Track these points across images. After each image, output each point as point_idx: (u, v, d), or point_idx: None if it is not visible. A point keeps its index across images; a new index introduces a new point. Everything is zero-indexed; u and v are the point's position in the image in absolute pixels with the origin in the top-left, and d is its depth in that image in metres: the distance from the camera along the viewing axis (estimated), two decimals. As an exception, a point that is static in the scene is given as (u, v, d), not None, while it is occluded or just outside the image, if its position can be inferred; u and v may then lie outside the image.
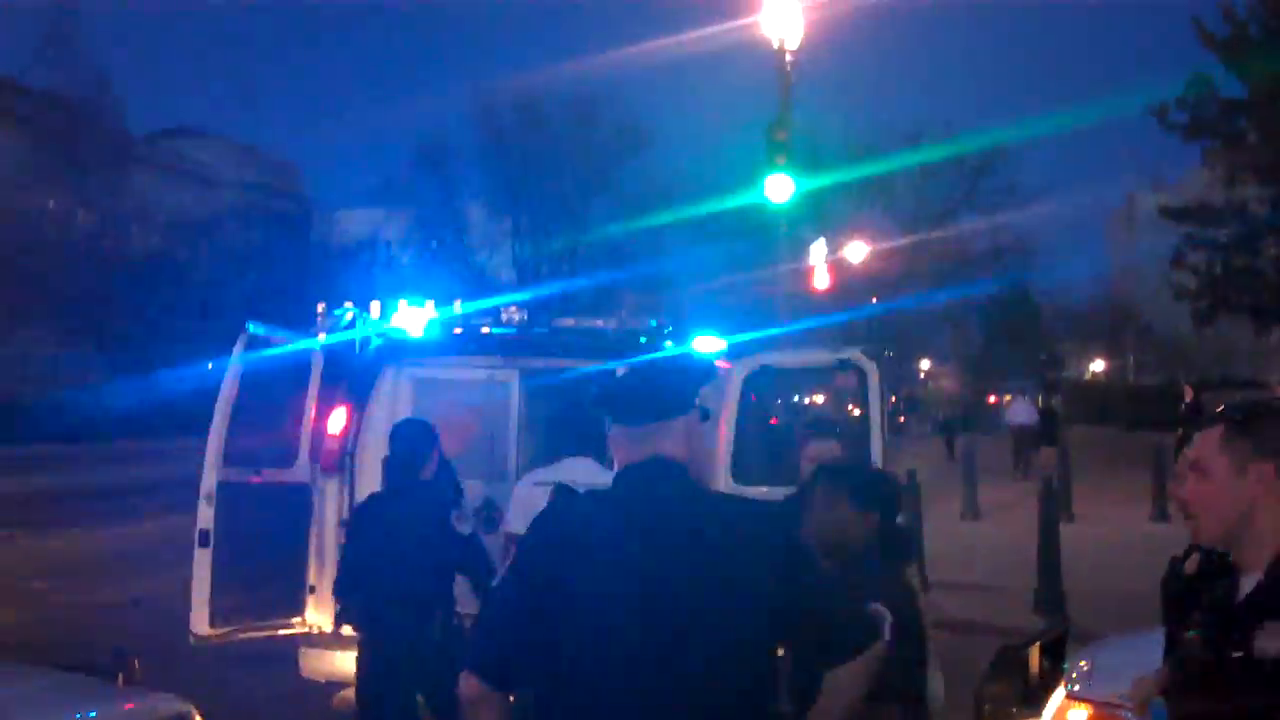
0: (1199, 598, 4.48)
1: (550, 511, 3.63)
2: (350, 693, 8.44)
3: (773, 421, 11.00)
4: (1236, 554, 3.28)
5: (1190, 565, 5.24)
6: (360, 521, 7.22)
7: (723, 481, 8.54)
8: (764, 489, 8.05)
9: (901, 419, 57.84)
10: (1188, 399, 26.84)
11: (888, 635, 3.84)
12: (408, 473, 7.11)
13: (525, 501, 6.84)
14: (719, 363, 9.34)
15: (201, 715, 6.41)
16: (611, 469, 3.72)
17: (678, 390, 3.61)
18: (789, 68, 22.12)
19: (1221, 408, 3.40)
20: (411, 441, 7.24)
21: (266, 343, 8.50)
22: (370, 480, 8.99)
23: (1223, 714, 3.18)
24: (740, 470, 8.74)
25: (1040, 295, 74.06)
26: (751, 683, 3.34)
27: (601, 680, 3.28)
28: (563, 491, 3.68)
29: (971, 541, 18.65)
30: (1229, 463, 3.24)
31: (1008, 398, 57.73)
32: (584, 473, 6.17)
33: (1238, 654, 3.11)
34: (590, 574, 3.34)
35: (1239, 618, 3.15)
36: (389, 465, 7.31)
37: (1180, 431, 24.86)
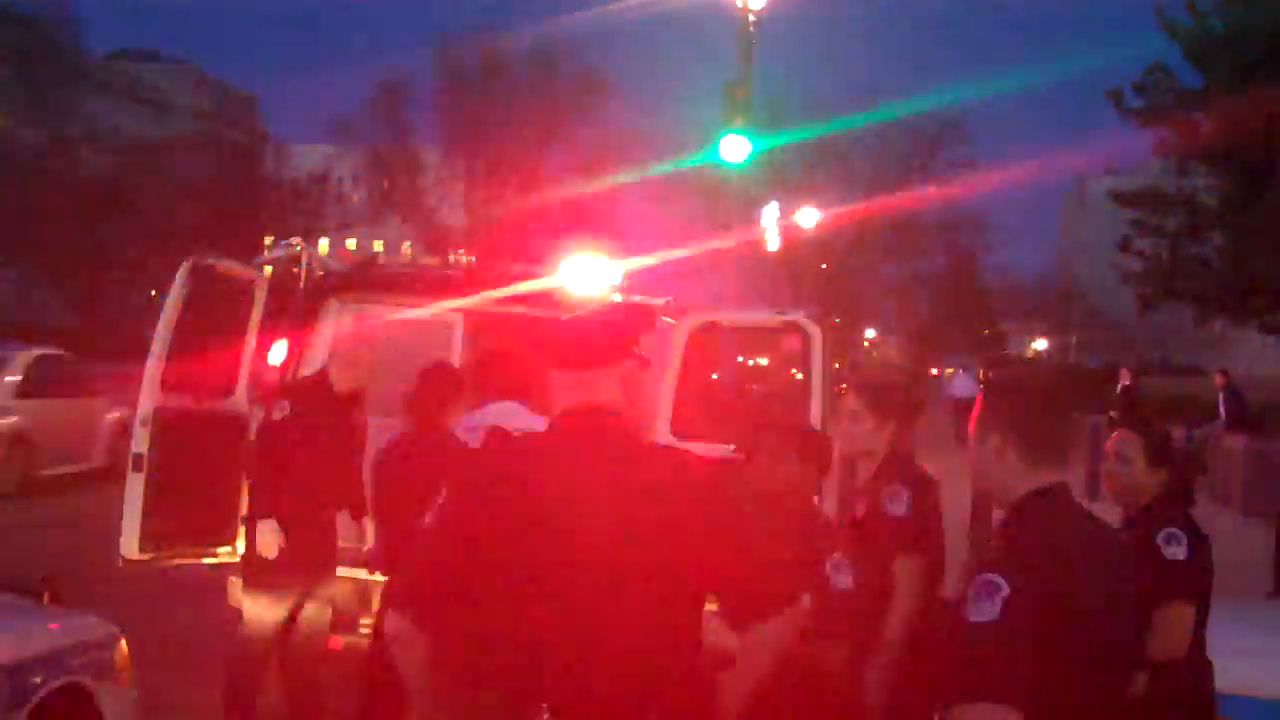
0: None
1: (482, 453, 3.64)
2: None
3: (715, 379, 11.02)
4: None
5: None
6: (387, 466, 7.25)
7: (661, 435, 8.56)
8: (703, 445, 8.10)
9: (844, 386, 58.15)
10: (1124, 382, 27.11)
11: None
12: (435, 417, 7.15)
13: None
14: (664, 317, 9.36)
15: (127, 639, 6.42)
16: (540, 416, 3.73)
17: (615, 338, 3.62)
18: (752, 28, 22.10)
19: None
20: (441, 385, 7.28)
21: (210, 272, 8.45)
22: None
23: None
24: (680, 425, 8.76)
25: (988, 272, 74.47)
26: (679, 633, 3.37)
27: (526, 624, 3.30)
28: (496, 434, 3.68)
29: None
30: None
31: (949, 371, 58.10)
32: (511, 416, 6.18)
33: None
34: (520, 517, 3.35)
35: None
36: (415, 408, 7.32)
37: (1112, 414, 25.20)
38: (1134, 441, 5.39)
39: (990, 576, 3.25)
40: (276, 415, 7.66)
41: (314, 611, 7.79)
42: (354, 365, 7.90)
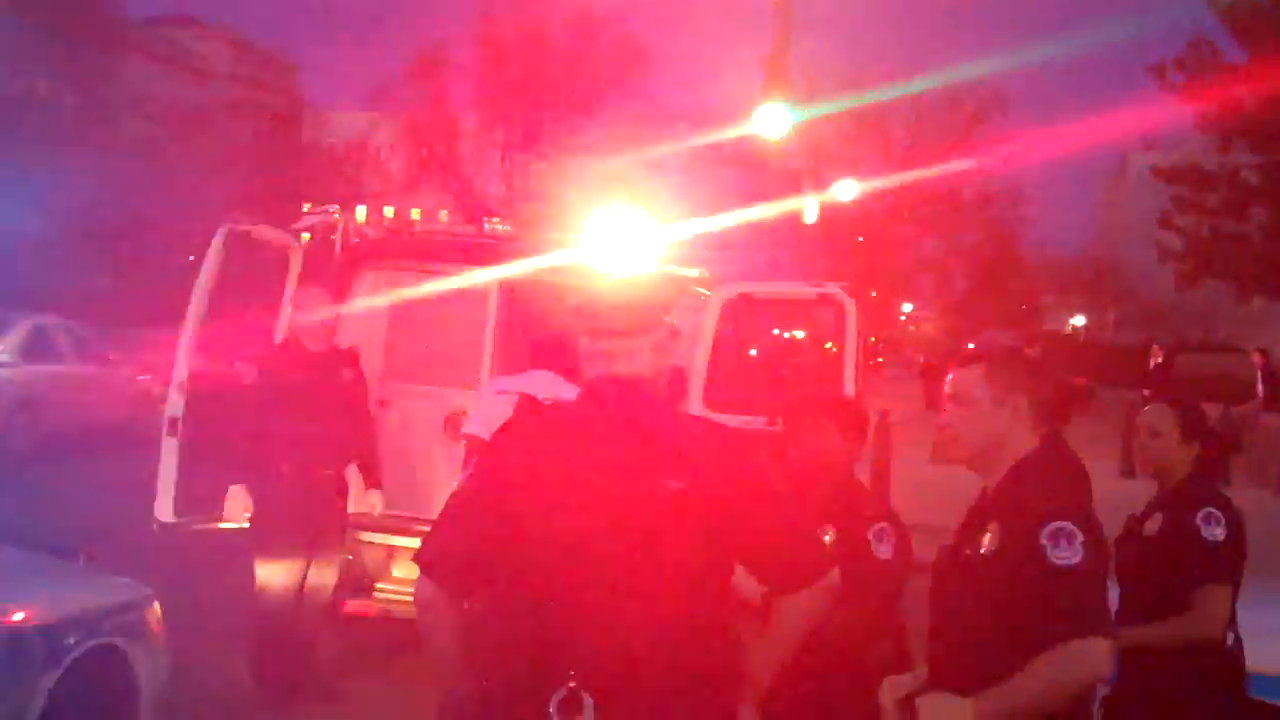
0: (1156, 558, 4.71)
1: (514, 421, 3.65)
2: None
3: (749, 351, 11.01)
4: (985, 471, 3.88)
5: (1151, 526, 5.31)
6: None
7: (694, 407, 8.56)
8: (736, 417, 8.10)
9: (879, 360, 58.01)
10: (1158, 359, 26.89)
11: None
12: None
13: (485, 407, 6.87)
14: (699, 289, 9.36)
15: (160, 601, 6.47)
16: (574, 385, 3.72)
17: (648, 307, 3.62)
18: (789, -1, 21.97)
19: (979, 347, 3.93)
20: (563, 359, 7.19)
21: (247, 238, 8.47)
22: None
23: (961, 608, 3.78)
24: (714, 397, 8.76)
25: (1026, 246, 74.10)
26: (708, 602, 3.37)
27: (555, 593, 3.31)
28: (528, 402, 3.68)
29: (938, 484, 18.68)
30: (989, 396, 3.84)
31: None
32: (546, 385, 6.17)
33: (968, 552, 3.78)
34: (549, 485, 3.36)
35: (971, 520, 3.82)
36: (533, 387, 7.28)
37: (1145, 392, 25.02)
38: (1167, 414, 5.37)
39: (1063, 524, 3.52)
40: (246, 379, 7.73)
41: (316, 575, 7.82)
42: (322, 326, 7.91)
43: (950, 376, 4.01)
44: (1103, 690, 5.04)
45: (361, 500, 8.25)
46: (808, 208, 32.91)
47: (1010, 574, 3.61)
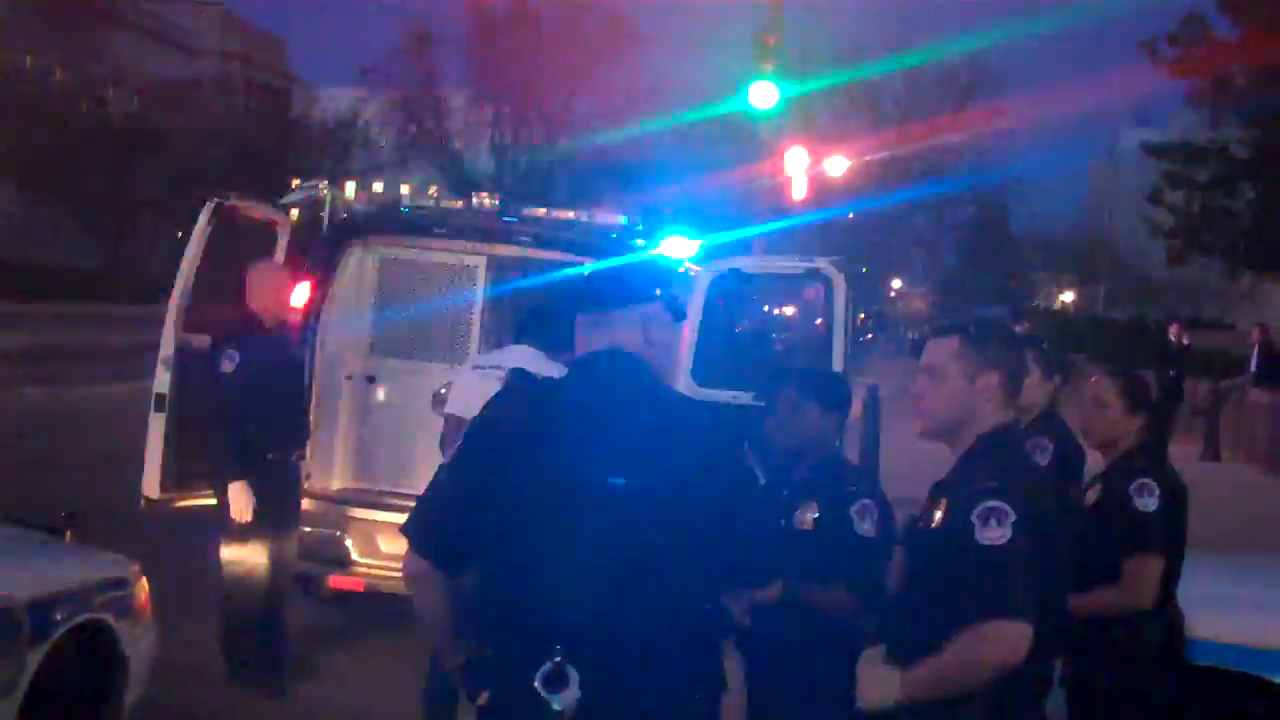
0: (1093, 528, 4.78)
1: (504, 395, 3.63)
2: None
3: (739, 327, 11.02)
4: (951, 443, 3.87)
5: (1091, 496, 5.37)
6: None
7: (683, 383, 8.55)
8: (726, 392, 8.10)
9: (870, 336, 58.09)
10: (1181, 338, 26.71)
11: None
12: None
13: (466, 384, 6.84)
14: (687, 265, 9.34)
15: (147, 577, 6.46)
16: (555, 360, 3.71)
17: (637, 279, 3.62)
18: (782, -27, 21.93)
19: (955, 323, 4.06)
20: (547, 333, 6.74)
21: (235, 213, 8.44)
22: (333, 356, 9.00)
23: (910, 581, 3.89)
24: (702, 373, 8.75)
25: (1017, 223, 74.15)
26: (695, 576, 3.37)
27: (546, 567, 3.31)
28: (518, 376, 3.67)
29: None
30: (962, 371, 3.81)
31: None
32: (526, 360, 6.14)
33: (921, 526, 3.83)
34: (539, 460, 3.35)
35: (932, 494, 3.83)
36: None
37: (1171, 372, 25.06)
38: (1110, 386, 5.41)
39: (995, 503, 3.53)
40: (227, 367, 7.52)
41: (280, 550, 7.79)
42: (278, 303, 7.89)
43: (925, 348, 3.98)
44: (1060, 667, 5.12)
45: (345, 477, 8.24)
46: (797, 182, 32.89)
47: (946, 550, 3.63)
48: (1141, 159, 36.76)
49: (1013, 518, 3.52)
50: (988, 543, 3.51)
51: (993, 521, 3.53)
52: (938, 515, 3.72)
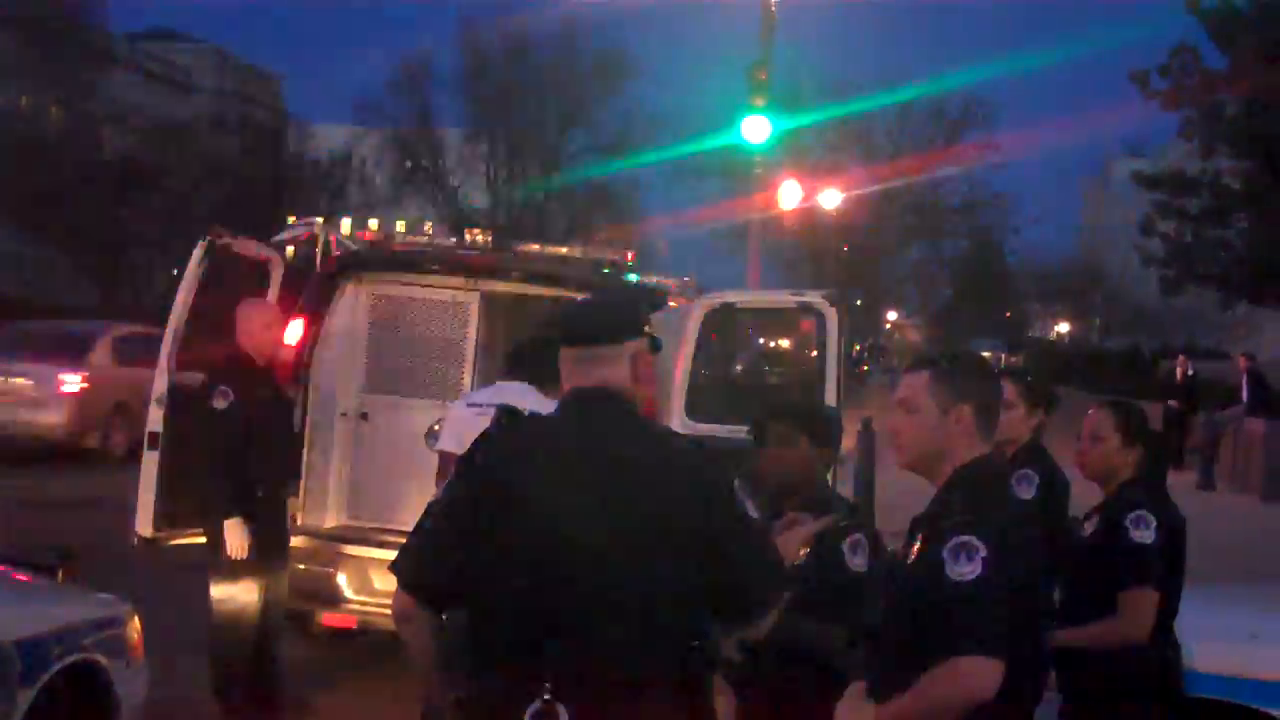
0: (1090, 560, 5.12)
1: (493, 433, 3.63)
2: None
3: (732, 361, 11.02)
4: (930, 476, 3.86)
5: (1089, 528, 5.38)
6: None
7: (677, 418, 8.54)
8: (719, 427, 8.09)
9: (865, 368, 58.14)
10: (1187, 370, 26.78)
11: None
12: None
13: (457, 421, 6.84)
14: (679, 299, 9.36)
15: (140, 617, 6.45)
16: (550, 399, 3.73)
17: (624, 314, 3.64)
18: (773, 7, 22.03)
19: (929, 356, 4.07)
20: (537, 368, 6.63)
21: (228, 251, 8.45)
22: (326, 393, 9.01)
23: (889, 616, 3.80)
24: (696, 408, 8.75)
25: (1011, 254, 74.33)
26: (680, 613, 3.37)
27: (534, 605, 3.31)
28: (507, 413, 3.67)
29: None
30: (935, 404, 3.80)
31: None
32: (517, 396, 6.14)
33: (900, 560, 3.83)
34: (527, 498, 3.36)
35: (911, 529, 3.82)
36: None
37: (1171, 403, 25.20)
38: (1108, 420, 5.40)
39: (966, 538, 3.53)
40: (220, 404, 7.49)
41: (274, 589, 7.77)
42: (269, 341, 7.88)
43: (900, 382, 3.98)
44: (1056, 699, 5.12)
45: (339, 514, 8.23)
46: (791, 217, 32.97)
47: (920, 584, 3.62)
48: (1134, 189, 36.81)
49: (983, 552, 3.50)
50: (957, 578, 3.50)
51: (963, 556, 3.51)
52: (914, 549, 3.71)
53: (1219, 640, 6.06)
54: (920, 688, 3.50)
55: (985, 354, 43.33)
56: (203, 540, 7.79)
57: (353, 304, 9.27)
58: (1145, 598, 5.11)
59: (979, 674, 3.45)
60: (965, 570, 3.50)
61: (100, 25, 51.05)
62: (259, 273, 8.80)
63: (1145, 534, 5.12)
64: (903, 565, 3.79)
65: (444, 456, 6.84)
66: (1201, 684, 5.77)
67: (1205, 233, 32.59)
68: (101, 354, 19.75)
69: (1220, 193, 31.77)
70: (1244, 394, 24.83)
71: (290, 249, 9.24)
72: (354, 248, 10.14)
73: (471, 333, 9.28)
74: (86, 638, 5.93)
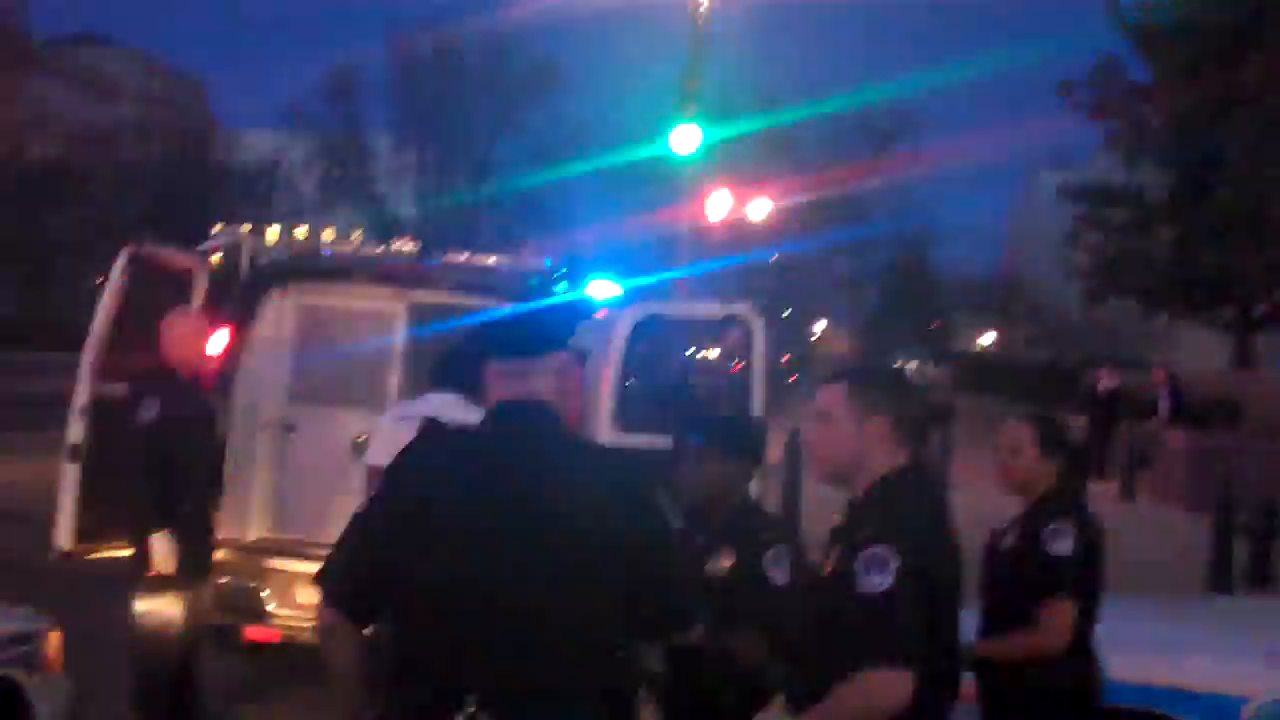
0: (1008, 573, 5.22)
1: (416, 446, 3.61)
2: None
3: (660, 371, 11.02)
4: (849, 488, 3.92)
5: (1007, 540, 5.39)
6: None
7: (606, 429, 8.54)
8: (647, 438, 8.08)
9: (793, 378, 58.38)
10: (1110, 383, 26.87)
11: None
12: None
13: (385, 434, 6.77)
14: (605, 310, 9.34)
15: (62, 631, 6.34)
16: (479, 409, 3.70)
17: (551, 326, 3.62)
18: (703, 18, 22.10)
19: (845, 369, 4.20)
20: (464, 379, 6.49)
21: (152, 259, 8.36)
22: (250, 404, 8.92)
23: (816, 624, 3.81)
24: (623, 418, 8.74)
25: (937, 265, 74.89)
26: (608, 625, 3.36)
27: (458, 617, 3.29)
28: (431, 426, 3.65)
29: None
30: (850, 415, 3.88)
31: (899, 364, 58.36)
32: (445, 407, 6.10)
33: (819, 572, 3.88)
34: (450, 512, 3.34)
35: (831, 540, 3.86)
36: None
37: (1097, 415, 25.36)
38: (1025, 432, 5.42)
39: (878, 549, 3.56)
40: (146, 416, 7.31)
41: (196, 603, 7.67)
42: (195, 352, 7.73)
43: (817, 394, 4.03)
44: (976, 710, 5.14)
45: (262, 526, 8.14)
46: (719, 227, 33.04)
47: (835, 597, 3.66)
48: (1059, 201, 37.20)
49: (895, 564, 3.54)
50: (869, 590, 3.53)
51: (874, 568, 3.55)
52: (831, 561, 3.75)
53: (1135, 651, 6.11)
54: (831, 701, 3.53)
55: (911, 364, 43.65)
56: (123, 554, 7.67)
57: (278, 313, 9.18)
58: (1063, 608, 5.13)
59: (889, 685, 3.49)
60: (876, 581, 3.54)
61: (22, 30, 50.50)
62: (183, 281, 8.72)
63: (1063, 545, 5.14)
64: (820, 577, 3.83)
65: (372, 470, 6.77)
66: (1119, 694, 5.81)
67: (1129, 244, 32.98)
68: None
69: (1144, 205, 32.17)
70: (1161, 405, 25.09)
71: (216, 257, 9.12)
72: (278, 256, 10.06)
73: (398, 342, 9.22)
74: (3, 653, 5.84)
